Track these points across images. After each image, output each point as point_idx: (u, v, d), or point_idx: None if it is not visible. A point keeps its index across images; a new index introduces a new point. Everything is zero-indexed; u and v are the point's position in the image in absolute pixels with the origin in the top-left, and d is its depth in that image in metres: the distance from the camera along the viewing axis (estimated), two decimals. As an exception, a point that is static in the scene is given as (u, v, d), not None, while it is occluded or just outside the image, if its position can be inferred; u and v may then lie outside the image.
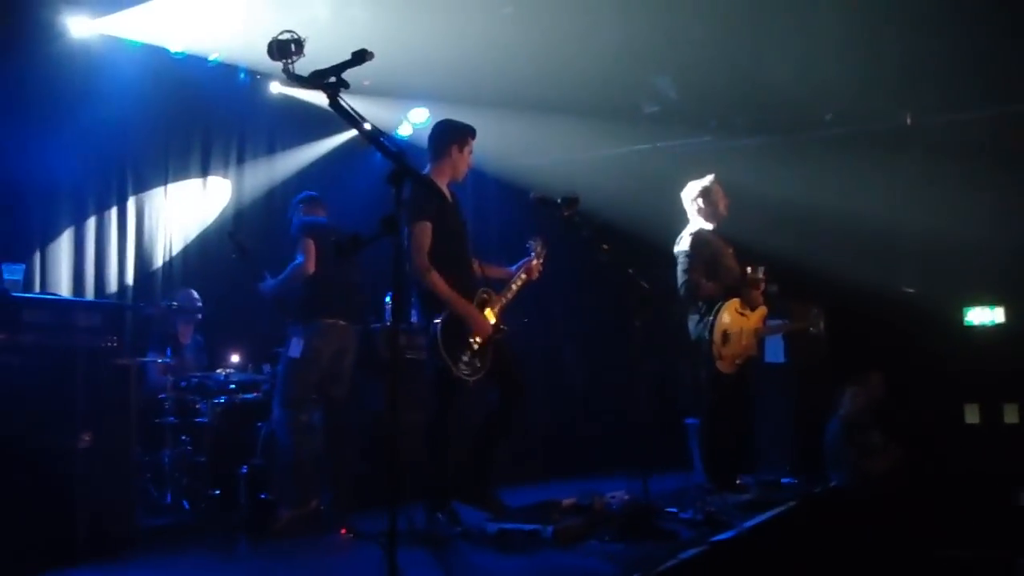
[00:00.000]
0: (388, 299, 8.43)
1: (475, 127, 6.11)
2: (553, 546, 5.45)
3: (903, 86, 8.88)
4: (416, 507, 5.89)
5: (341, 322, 6.60)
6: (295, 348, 6.47)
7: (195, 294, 7.70)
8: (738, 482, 7.15)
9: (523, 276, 6.28)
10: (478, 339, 5.85)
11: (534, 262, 6.30)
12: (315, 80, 4.04)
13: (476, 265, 6.14)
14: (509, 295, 6.19)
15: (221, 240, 7.55)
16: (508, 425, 6.15)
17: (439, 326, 5.74)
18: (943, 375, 9.22)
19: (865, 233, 9.14)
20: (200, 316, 7.74)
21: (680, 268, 7.18)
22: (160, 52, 7.67)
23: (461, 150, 6.09)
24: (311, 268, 6.48)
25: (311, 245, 6.51)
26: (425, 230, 5.75)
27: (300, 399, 6.50)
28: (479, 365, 5.87)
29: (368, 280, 6.94)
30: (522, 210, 6.64)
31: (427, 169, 6.06)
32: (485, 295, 6.05)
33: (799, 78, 8.62)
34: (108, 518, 5.63)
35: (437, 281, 5.75)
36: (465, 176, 6.22)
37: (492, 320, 6.00)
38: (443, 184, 6.06)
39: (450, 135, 6.10)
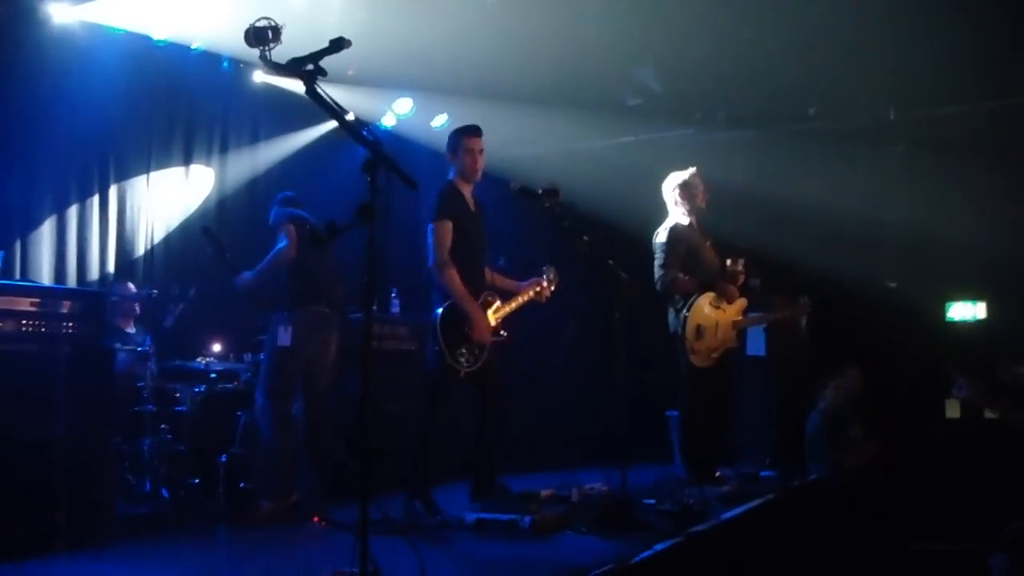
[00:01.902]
0: (394, 292, 8.49)
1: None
2: (530, 536, 5.49)
3: (886, 80, 8.89)
4: (397, 497, 5.95)
5: (325, 310, 6.60)
6: (284, 336, 6.45)
7: (131, 285, 7.67)
8: (717, 474, 7.19)
9: (530, 293, 6.54)
10: (474, 340, 6.06)
11: (544, 283, 6.55)
12: (292, 67, 4.04)
13: (488, 273, 6.45)
14: (513, 305, 6.45)
15: (198, 233, 7.51)
16: (488, 426, 6.37)
17: (441, 314, 6.02)
18: (925, 370, 9.24)
19: (848, 227, 9.15)
20: (136, 306, 7.70)
21: (656, 262, 7.21)
22: (143, 39, 7.62)
23: (456, 154, 6.34)
24: (294, 252, 6.49)
25: (293, 231, 6.53)
26: (447, 228, 6.09)
27: (284, 388, 6.49)
28: (473, 360, 6.09)
29: (354, 271, 6.95)
30: (503, 200, 6.65)
31: (450, 175, 6.38)
32: (489, 298, 6.33)
33: (782, 72, 8.64)
34: (87, 507, 5.61)
35: (453, 277, 6.05)
36: (479, 175, 6.39)
37: (492, 324, 6.24)
38: (465, 190, 6.37)
39: (450, 141, 6.42)
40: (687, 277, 7.15)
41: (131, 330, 7.60)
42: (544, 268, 6.62)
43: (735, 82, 8.99)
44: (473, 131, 6.37)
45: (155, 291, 7.24)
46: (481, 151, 6.35)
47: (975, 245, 8.98)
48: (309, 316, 6.52)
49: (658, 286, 7.19)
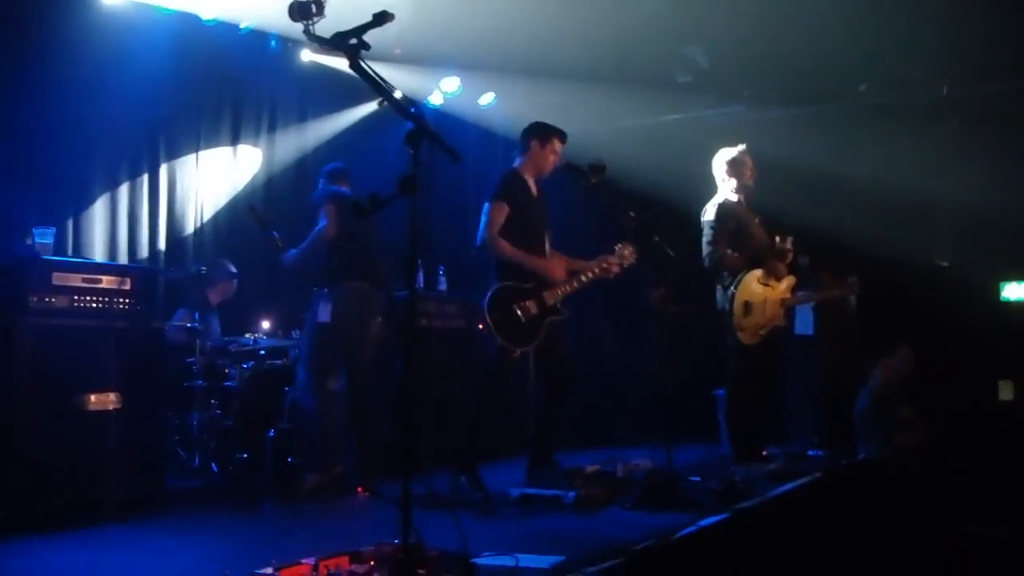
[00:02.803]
0: (441, 270, 8.53)
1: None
2: (574, 511, 5.51)
3: (939, 56, 8.73)
4: (445, 473, 6.02)
5: (366, 286, 6.63)
6: (323, 312, 6.52)
7: (230, 265, 7.81)
8: (764, 453, 7.15)
9: (597, 270, 6.50)
10: (533, 308, 6.12)
11: (612, 259, 6.49)
12: (336, 42, 4.05)
13: (551, 256, 6.46)
14: (576, 283, 6.42)
15: (244, 213, 7.58)
16: (553, 402, 6.45)
17: (489, 298, 6.08)
18: (977, 351, 9.11)
19: (900, 205, 9.03)
20: (232, 286, 7.83)
21: (705, 239, 7.17)
22: (191, 19, 7.67)
23: (543, 146, 6.44)
24: (333, 232, 6.54)
25: (333, 210, 6.58)
26: (501, 209, 6.20)
27: (326, 365, 6.55)
28: (526, 339, 6.06)
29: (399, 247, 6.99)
30: (550, 177, 6.64)
31: (516, 163, 6.48)
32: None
33: (833, 48, 8.51)
34: (138, 479, 5.72)
35: (505, 247, 6.15)
36: (548, 174, 6.53)
37: (551, 301, 6.25)
38: (529, 178, 6.46)
39: (532, 132, 6.50)
40: (735, 254, 7.10)
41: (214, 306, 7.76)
42: (618, 245, 6.56)
43: (785, 59, 8.88)
44: (564, 135, 6.51)
45: (204, 268, 7.32)
46: (561, 156, 6.48)
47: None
48: (349, 292, 6.56)
49: (706, 263, 7.15)
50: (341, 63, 8.26)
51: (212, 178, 8.25)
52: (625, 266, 6.56)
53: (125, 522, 5.42)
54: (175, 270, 7.53)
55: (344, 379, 6.65)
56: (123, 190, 7.58)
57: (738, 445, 7.21)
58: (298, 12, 4.10)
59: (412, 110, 3.97)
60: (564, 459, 6.54)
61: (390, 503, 4.00)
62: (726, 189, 7.31)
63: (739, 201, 7.30)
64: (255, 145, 8.64)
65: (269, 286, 8.01)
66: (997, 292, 9.67)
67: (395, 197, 3.78)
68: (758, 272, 7.17)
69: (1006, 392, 9.47)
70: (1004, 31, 8.03)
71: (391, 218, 4.52)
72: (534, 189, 6.46)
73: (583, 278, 6.45)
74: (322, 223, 6.57)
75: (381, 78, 4.00)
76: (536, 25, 8.22)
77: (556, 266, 6.28)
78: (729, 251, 7.09)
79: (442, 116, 9.68)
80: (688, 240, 7.20)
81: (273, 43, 8.46)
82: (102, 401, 5.59)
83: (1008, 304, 9.68)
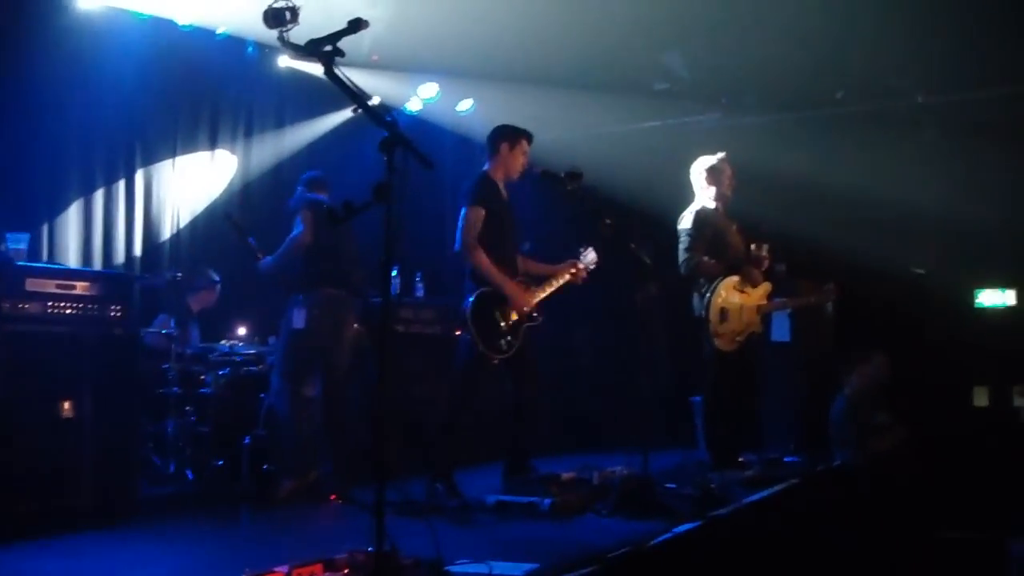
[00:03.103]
0: (418, 276, 8.52)
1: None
2: (550, 518, 5.51)
3: (916, 63, 8.79)
4: (421, 479, 6.01)
5: (341, 293, 6.63)
6: (298, 319, 6.51)
7: (214, 274, 7.79)
8: (740, 460, 7.17)
9: (566, 276, 6.56)
10: (513, 315, 6.14)
11: (580, 264, 6.58)
12: (311, 49, 4.05)
13: (521, 262, 6.50)
14: (548, 289, 6.50)
15: (220, 219, 7.55)
16: (523, 406, 6.40)
17: (471, 302, 6.06)
18: (952, 357, 9.17)
19: (876, 213, 9.09)
20: (215, 296, 7.81)
21: (681, 246, 7.19)
22: (167, 24, 7.63)
23: (511, 149, 6.42)
24: (309, 238, 6.53)
25: (310, 217, 6.57)
26: (478, 214, 6.18)
27: (300, 371, 6.54)
28: (505, 346, 6.13)
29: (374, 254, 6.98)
30: (527, 184, 6.66)
31: (484, 167, 6.46)
32: (522, 284, 6.35)
33: (810, 55, 8.56)
34: (111, 487, 5.68)
35: (481, 258, 6.12)
36: (518, 176, 6.48)
37: (527, 309, 6.26)
38: (499, 181, 6.43)
39: (500, 134, 6.48)
40: (712, 260, 7.12)
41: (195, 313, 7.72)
42: (581, 249, 6.64)
43: (762, 66, 8.92)
44: (530, 136, 6.50)
45: (179, 274, 7.29)
46: (528, 155, 6.47)
47: (1006, 231, 8.90)
48: (324, 299, 6.55)
49: (682, 269, 7.17)
50: (318, 69, 8.26)
51: (189, 183, 8.22)
52: (591, 270, 6.60)
53: (99, 530, 5.37)
54: (150, 276, 7.48)
55: (319, 385, 6.62)
56: (99, 195, 7.55)
57: (715, 451, 7.23)
58: (272, 19, 4.10)
59: (387, 118, 3.94)
60: (541, 465, 6.52)
61: (364, 510, 3.98)
62: (704, 197, 7.33)
63: (716, 208, 7.32)
64: (232, 151, 8.62)
65: (246, 292, 7.97)
66: (972, 299, 9.74)
67: (369, 204, 3.78)
68: (735, 279, 7.19)
69: (981, 398, 9.55)
70: (980, 40, 8.09)
71: (368, 225, 4.51)
72: (504, 192, 6.46)
73: (555, 283, 6.51)
74: (297, 229, 6.57)
75: (356, 86, 4.00)
76: (514, 32, 8.24)
77: (522, 294, 6.25)
78: (706, 258, 7.12)
79: (420, 122, 9.67)
80: (664, 247, 7.22)
81: (250, 49, 8.43)
82: (74, 408, 5.55)
83: (983, 310, 9.75)
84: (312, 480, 6.47)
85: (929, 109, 9.33)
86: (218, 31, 8.01)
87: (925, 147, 9.32)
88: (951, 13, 7.73)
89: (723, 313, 7.08)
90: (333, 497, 6.21)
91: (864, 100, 9.47)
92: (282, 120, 9.08)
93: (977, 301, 9.79)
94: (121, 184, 7.73)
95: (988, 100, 9.07)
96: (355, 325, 6.81)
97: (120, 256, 7.63)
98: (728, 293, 7.14)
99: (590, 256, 6.61)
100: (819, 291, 7.89)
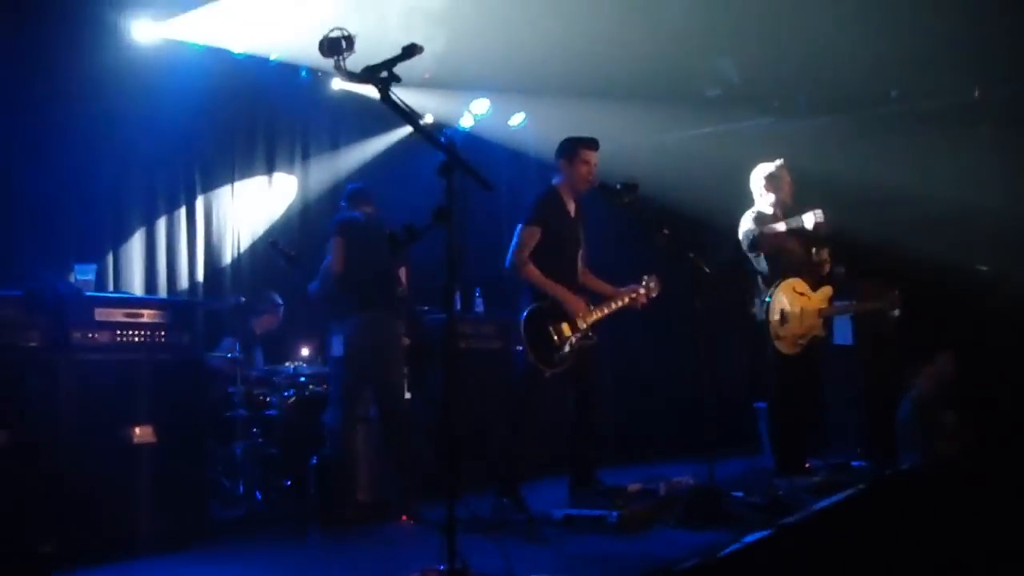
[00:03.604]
0: (478, 292, 8.57)
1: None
2: (618, 531, 5.51)
3: (968, 58, 8.68)
4: (488, 495, 6.03)
5: (380, 314, 6.53)
6: (336, 347, 6.53)
7: (277, 298, 7.87)
8: (807, 465, 7.12)
9: (626, 299, 6.56)
10: (567, 330, 6.16)
11: (641, 291, 6.57)
12: (367, 75, 4.10)
13: (583, 275, 6.54)
14: (606, 310, 6.49)
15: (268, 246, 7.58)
16: (584, 425, 6.45)
17: (525, 317, 6.12)
18: (1020, 354, 9.00)
19: (936, 211, 8.96)
20: (278, 319, 7.88)
21: (745, 248, 7.17)
22: (222, 53, 7.78)
23: (571, 162, 6.43)
24: (339, 267, 6.46)
25: (340, 244, 6.49)
26: (533, 233, 6.22)
27: (349, 395, 6.50)
28: (558, 360, 6.13)
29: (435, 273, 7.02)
30: (584, 196, 6.66)
31: (554, 181, 6.49)
32: (581, 298, 6.36)
33: (861, 55, 8.49)
34: (182, 510, 5.78)
35: (533, 272, 6.18)
36: (586, 188, 6.48)
37: (583, 325, 6.28)
38: (566, 196, 6.45)
39: (560, 150, 6.52)
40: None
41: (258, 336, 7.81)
42: (645, 276, 6.64)
43: (813, 68, 8.86)
44: (592, 143, 6.48)
45: (243, 299, 7.39)
46: (595, 164, 6.44)
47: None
48: (361, 324, 6.45)
49: (746, 247, 7.17)
50: (371, 90, 8.40)
51: (248, 208, 8.34)
52: (652, 297, 6.62)
53: (172, 553, 5.48)
54: (214, 301, 7.60)
55: (375, 407, 6.64)
56: (161, 223, 7.70)
57: (781, 457, 7.18)
58: (328, 48, 4.15)
59: (443, 140, 3.99)
60: (607, 476, 6.54)
61: (434, 528, 4.02)
62: (763, 203, 7.31)
63: (775, 214, 7.29)
64: (289, 173, 8.73)
65: (307, 314, 8.06)
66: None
67: (430, 228, 3.83)
68: (794, 282, 7.16)
69: (1051, 397, 9.34)
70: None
71: (427, 242, 4.54)
72: (571, 207, 6.46)
73: (613, 305, 6.51)
74: (327, 259, 6.54)
75: (412, 110, 4.05)
76: (563, 44, 8.24)
77: (579, 303, 6.27)
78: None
79: (473, 138, 9.73)
80: (723, 253, 7.20)
81: (303, 73, 8.55)
82: (146, 434, 5.66)
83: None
84: (380, 501, 6.49)
85: (985, 103, 9.19)
86: (271, 57, 8.13)
87: (983, 142, 9.18)
88: (999, 5, 7.63)
89: (783, 316, 7.05)
90: (404, 518, 6.24)
91: (918, 98, 9.35)
92: (337, 142, 9.17)
93: (1044, 298, 9.60)
94: (182, 211, 7.87)
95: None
96: (406, 341, 6.80)
97: (183, 282, 7.77)
98: (788, 296, 7.11)
99: (653, 284, 6.60)
100: (883, 297, 7.81)
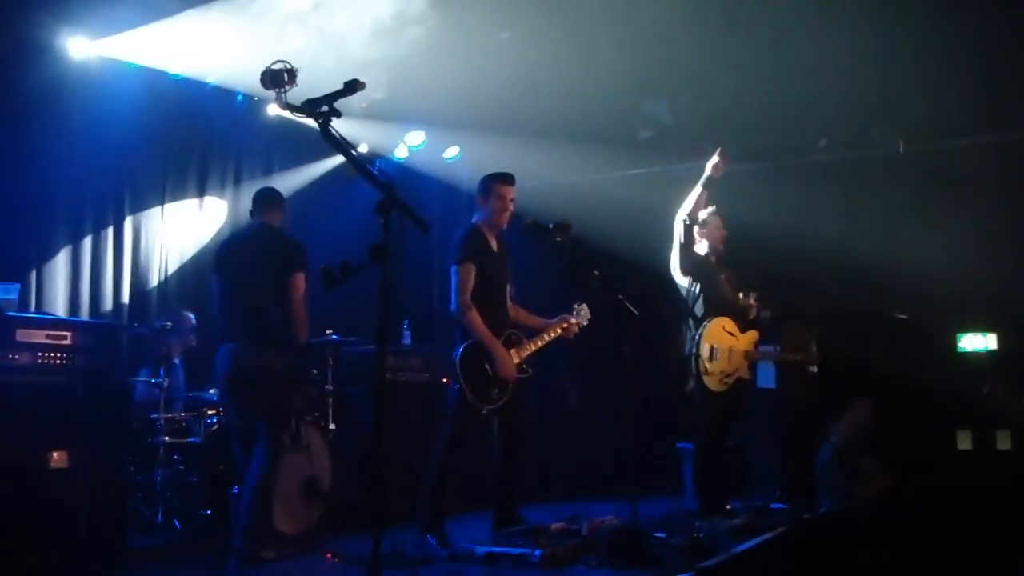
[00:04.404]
0: (405, 324, 8.54)
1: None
2: (541, 570, 5.51)
3: (897, 112, 8.92)
4: (410, 529, 6.00)
5: (233, 344, 6.06)
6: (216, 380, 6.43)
7: (191, 316, 7.74)
8: (728, 507, 7.19)
9: (558, 330, 6.65)
10: (499, 375, 6.15)
11: (572, 320, 6.67)
12: (307, 109, 4.10)
13: (512, 310, 6.56)
14: (539, 343, 6.56)
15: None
16: (512, 461, 6.49)
17: (461, 353, 6.12)
18: (936, 401, 9.21)
19: (858, 259, 9.16)
20: (193, 337, 7.74)
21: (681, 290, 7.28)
22: (159, 74, 7.72)
23: (486, 199, 6.48)
24: (215, 298, 6.26)
25: (214, 281, 6.27)
26: (469, 270, 6.22)
27: (234, 427, 6.31)
28: (495, 396, 6.19)
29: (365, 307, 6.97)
30: (516, 234, 6.70)
31: (474, 219, 6.52)
32: (513, 336, 6.42)
33: (793, 104, 8.67)
34: (102, 537, 5.67)
35: (475, 319, 6.17)
36: (506, 223, 6.51)
37: (516, 360, 6.33)
38: (489, 233, 6.48)
39: (482, 186, 6.55)
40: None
41: (177, 360, 7.64)
42: (575, 305, 6.72)
43: (746, 114, 9.03)
44: (507, 178, 6.50)
45: (168, 324, 7.28)
46: (512, 199, 6.47)
47: (986, 276, 8.97)
48: (224, 356, 6.08)
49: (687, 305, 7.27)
50: (308, 121, 8.38)
51: (177, 230, 8.25)
52: (584, 325, 6.69)
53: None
54: (139, 325, 7.48)
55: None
56: (86, 243, 7.59)
57: (704, 498, 7.25)
58: (271, 81, 4.15)
59: (382, 178, 3.99)
60: (530, 514, 6.55)
61: (357, 565, 4.00)
62: (698, 246, 7.42)
63: (708, 257, 7.40)
64: (221, 197, 8.66)
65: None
66: (955, 343, 9.80)
67: (366, 266, 3.83)
68: (724, 320, 7.27)
69: (964, 442, 9.57)
70: (959, 90, 8.20)
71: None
72: (494, 244, 6.50)
73: (547, 337, 6.57)
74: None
75: (351, 145, 4.06)
76: (501, 80, 8.30)
77: (510, 362, 6.25)
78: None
79: (406, 170, 9.74)
80: (652, 296, 7.26)
81: (239, 98, 8.49)
82: (62, 459, 5.54)
83: (964, 355, 9.80)
84: (298, 533, 6.41)
85: (910, 157, 9.44)
86: (208, 81, 8.08)
87: (906, 194, 9.42)
88: (930, 63, 7.85)
89: (712, 351, 7.14)
90: (329, 556, 6.13)
91: (846, 148, 9.57)
92: (270, 167, 9.13)
93: (959, 346, 9.84)
94: (110, 231, 7.77)
95: (966, 148, 9.18)
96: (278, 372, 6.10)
97: (108, 304, 7.65)
98: (718, 333, 7.21)
99: (584, 312, 6.67)
100: (803, 348, 7.97)
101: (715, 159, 7.24)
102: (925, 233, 9.01)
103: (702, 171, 7.37)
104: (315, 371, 7.28)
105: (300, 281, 6.04)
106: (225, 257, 6.28)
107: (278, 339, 6.00)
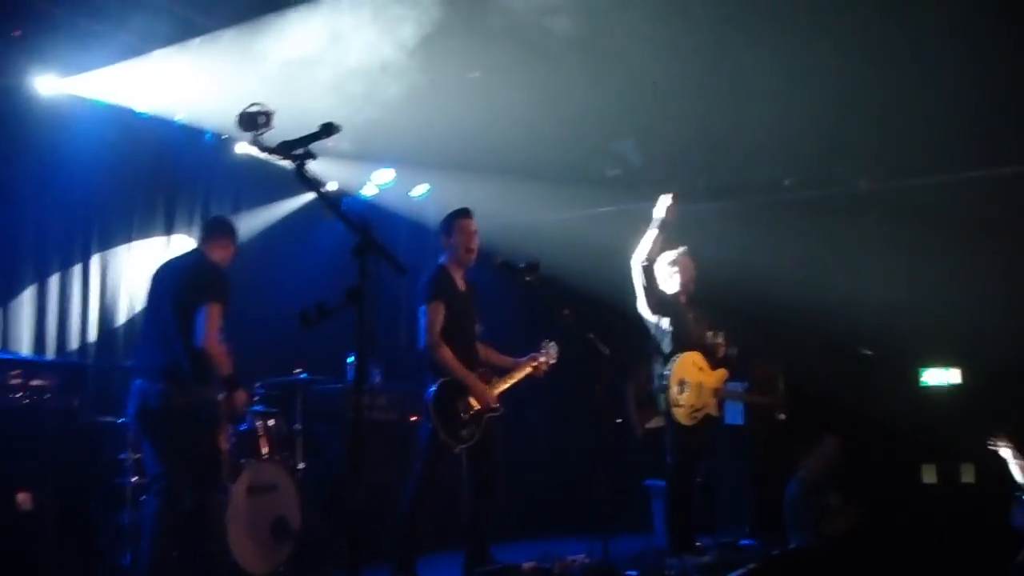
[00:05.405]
0: (350, 360, 8.49)
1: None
2: (514, 610, 5.50)
3: (861, 151, 9.05)
4: (382, 569, 5.98)
5: (139, 381, 5.77)
6: None
7: None
8: (697, 544, 7.20)
9: (527, 369, 6.70)
10: (475, 406, 6.20)
11: (541, 358, 6.72)
12: (283, 151, 4.11)
13: (482, 350, 6.58)
14: (509, 381, 6.61)
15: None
16: (484, 501, 6.47)
17: (434, 392, 6.12)
18: (901, 436, 9.29)
19: (824, 296, 9.25)
20: None
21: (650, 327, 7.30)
22: (126, 112, 7.71)
23: (449, 237, 6.52)
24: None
25: None
26: (438, 309, 6.25)
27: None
28: (466, 435, 6.20)
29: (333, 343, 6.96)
30: (485, 273, 6.73)
31: (440, 260, 6.54)
32: (483, 374, 6.44)
33: (759, 143, 8.77)
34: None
35: (446, 354, 6.19)
36: (472, 259, 6.56)
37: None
38: (456, 272, 6.52)
39: (444, 225, 6.59)
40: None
41: None
42: (544, 343, 6.77)
43: (713, 153, 9.13)
44: (466, 212, 6.56)
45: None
46: (475, 231, 6.51)
47: (949, 312, 9.08)
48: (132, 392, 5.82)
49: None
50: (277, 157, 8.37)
51: (145, 268, 8.17)
52: (552, 363, 6.73)
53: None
54: (106, 364, 7.41)
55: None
56: (53, 280, 7.52)
57: (674, 535, 7.25)
58: (246, 123, 4.15)
59: (358, 221, 4.00)
60: (501, 552, 6.53)
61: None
62: (667, 285, 7.46)
63: (677, 296, 7.44)
64: (189, 235, 8.62)
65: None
66: (918, 378, 9.90)
67: (342, 307, 3.82)
68: (694, 355, 7.29)
69: (929, 475, 9.65)
70: (922, 128, 8.32)
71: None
72: (461, 284, 6.53)
73: (517, 375, 6.62)
74: None
75: (326, 190, 4.06)
76: (470, 119, 8.34)
77: (487, 390, 6.33)
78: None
79: (374, 208, 9.75)
80: (621, 334, 7.29)
81: (208, 136, 8.48)
82: (29, 500, 5.49)
83: (928, 389, 9.90)
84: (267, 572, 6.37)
85: (873, 196, 9.57)
86: (176, 119, 8.07)
87: (868, 231, 9.54)
88: (895, 103, 7.98)
89: (682, 385, 7.15)
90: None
91: (810, 186, 9.69)
92: (239, 205, 9.11)
93: (922, 380, 9.94)
94: (77, 268, 7.72)
95: (926, 187, 9.32)
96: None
97: (74, 342, 7.58)
98: (688, 367, 7.24)
99: (552, 350, 6.70)
100: (770, 395, 8.04)
101: (667, 201, 7.29)
102: (889, 270, 9.13)
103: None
104: (276, 409, 7.23)
105: (213, 312, 5.64)
106: (150, 286, 6.12)
107: (182, 375, 5.61)
